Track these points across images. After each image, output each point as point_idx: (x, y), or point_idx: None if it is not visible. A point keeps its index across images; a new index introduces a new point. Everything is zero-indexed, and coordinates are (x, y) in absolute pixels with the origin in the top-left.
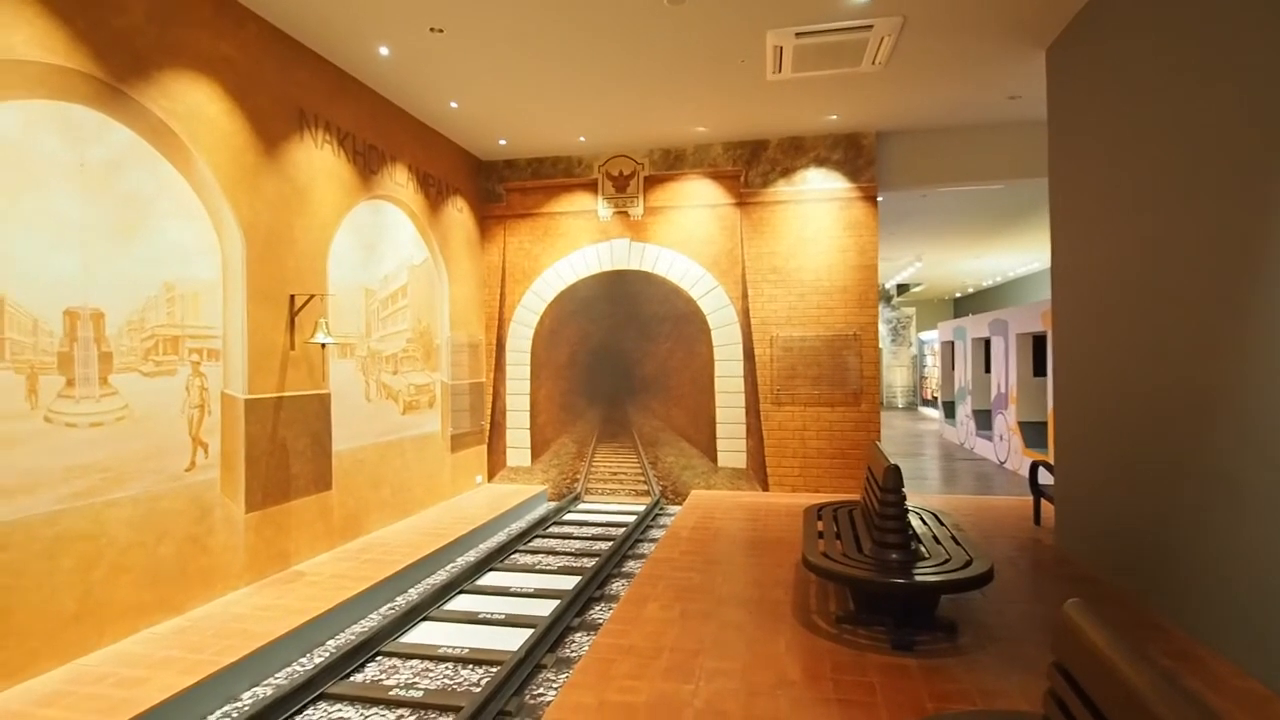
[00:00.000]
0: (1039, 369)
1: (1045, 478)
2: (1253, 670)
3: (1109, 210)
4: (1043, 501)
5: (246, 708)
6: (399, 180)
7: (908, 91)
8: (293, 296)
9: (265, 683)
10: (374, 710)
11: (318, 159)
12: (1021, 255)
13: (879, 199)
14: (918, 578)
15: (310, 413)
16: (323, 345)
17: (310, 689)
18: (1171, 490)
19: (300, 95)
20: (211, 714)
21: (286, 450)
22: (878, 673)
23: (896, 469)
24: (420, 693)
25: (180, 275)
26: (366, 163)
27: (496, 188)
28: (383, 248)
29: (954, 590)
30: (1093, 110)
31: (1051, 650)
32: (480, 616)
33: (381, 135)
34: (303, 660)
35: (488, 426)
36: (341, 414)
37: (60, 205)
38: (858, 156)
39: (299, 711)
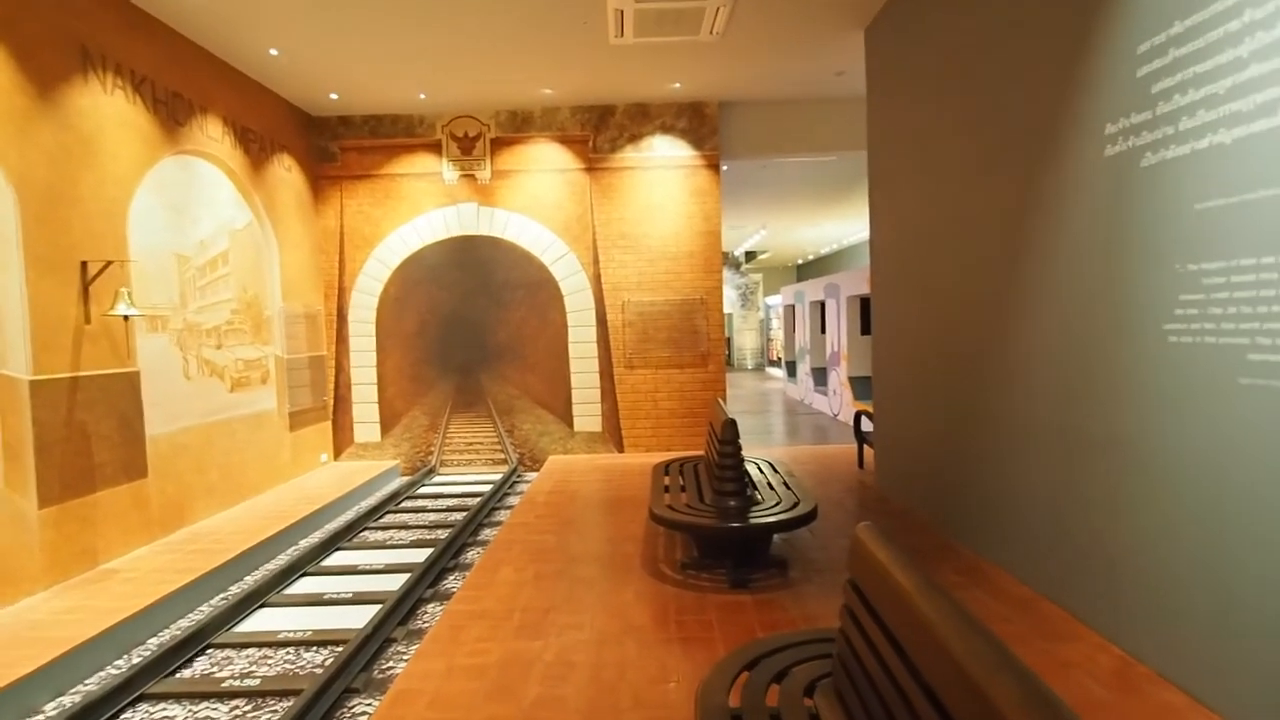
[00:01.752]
0: (866, 328)
1: (868, 425)
2: (1025, 579)
3: (916, 180)
4: (865, 447)
5: (51, 717)
6: (212, 134)
7: (746, 63)
8: (85, 263)
9: (73, 690)
10: (204, 705)
11: (107, 105)
12: (854, 224)
13: (723, 167)
14: (752, 520)
15: (115, 393)
16: (126, 318)
17: (128, 690)
18: (967, 435)
19: (82, 29)
20: None
21: (88, 436)
22: (716, 610)
23: (733, 422)
24: (257, 680)
25: None
26: (170, 113)
27: (330, 146)
28: (196, 209)
29: (783, 529)
30: (904, 88)
31: (846, 569)
32: (325, 597)
33: (188, 82)
34: (119, 662)
35: (331, 401)
36: (156, 394)
37: None
38: (701, 125)
39: (115, 716)
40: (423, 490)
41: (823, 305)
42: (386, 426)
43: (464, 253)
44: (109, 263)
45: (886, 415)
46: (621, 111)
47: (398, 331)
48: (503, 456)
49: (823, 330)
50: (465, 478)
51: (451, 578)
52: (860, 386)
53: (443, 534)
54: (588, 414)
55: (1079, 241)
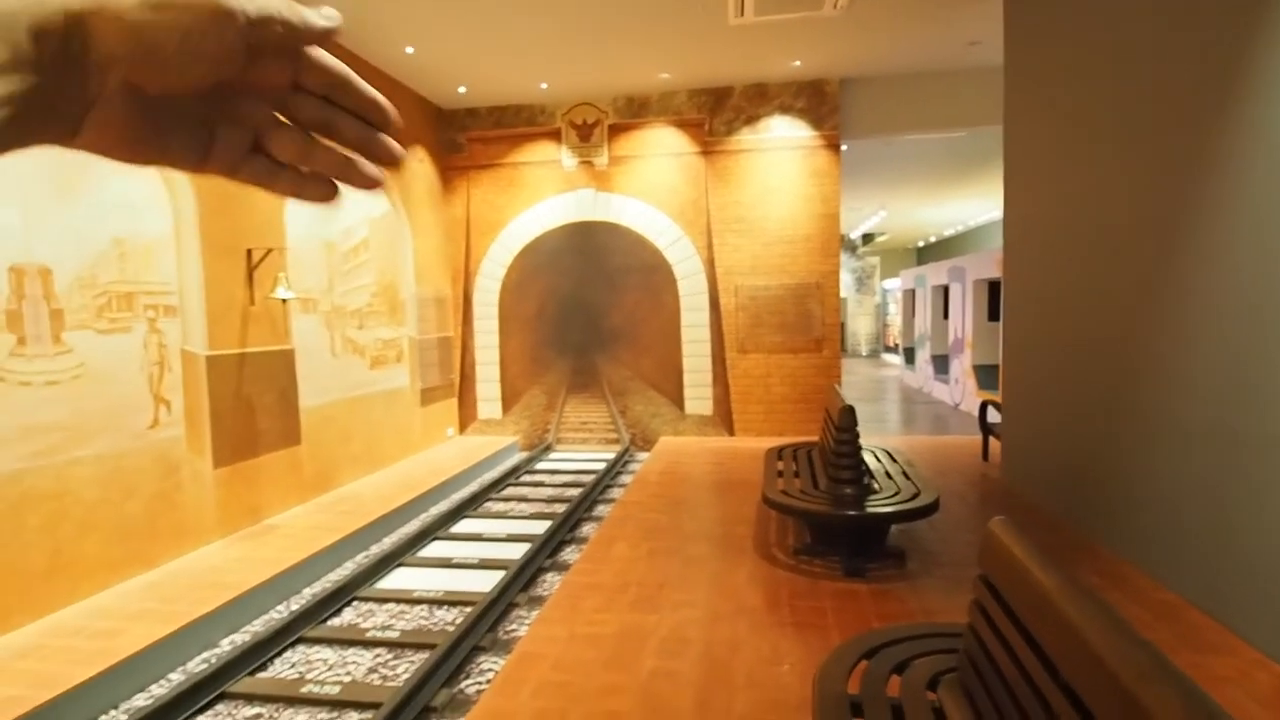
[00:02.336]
0: (994, 314)
1: (994, 416)
2: (1170, 584)
3: (1059, 158)
4: (991, 439)
5: (226, 652)
6: None
7: (870, 36)
8: (250, 250)
9: (243, 630)
10: (352, 650)
11: None
12: (982, 203)
13: (843, 147)
14: (869, 509)
15: (275, 368)
16: (284, 300)
17: (288, 634)
18: (1108, 427)
19: None
20: (190, 660)
21: (253, 406)
22: (830, 598)
23: (851, 409)
24: (396, 633)
25: (130, 230)
26: None
27: (458, 138)
28: (343, 200)
29: (902, 520)
30: (1047, 56)
31: (978, 565)
32: (454, 561)
33: None
34: (279, 608)
35: (457, 380)
36: (307, 370)
37: None
38: (821, 104)
39: (278, 655)
40: (540, 466)
41: (946, 289)
42: (507, 404)
43: (581, 238)
44: (269, 250)
45: (1016, 406)
46: (739, 93)
47: (518, 314)
48: (616, 436)
49: (945, 316)
50: (580, 455)
51: (568, 549)
52: (985, 375)
53: (559, 508)
54: (699, 397)
55: (1247, 235)
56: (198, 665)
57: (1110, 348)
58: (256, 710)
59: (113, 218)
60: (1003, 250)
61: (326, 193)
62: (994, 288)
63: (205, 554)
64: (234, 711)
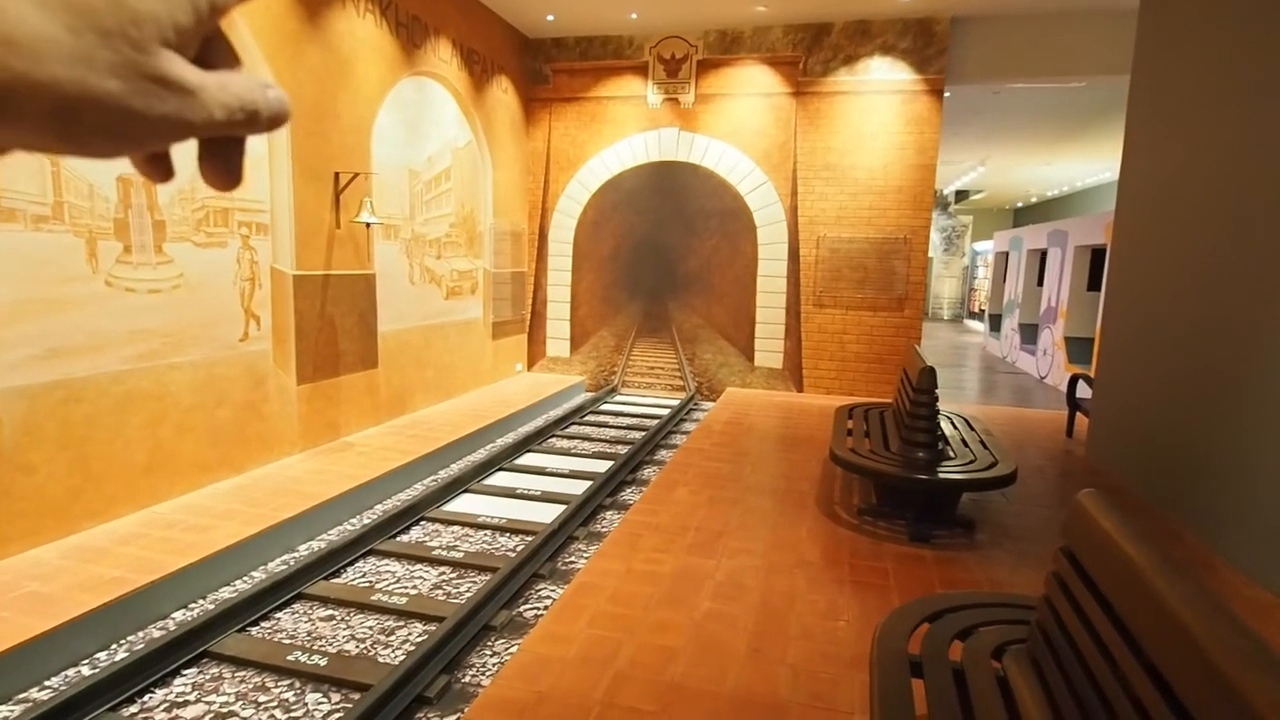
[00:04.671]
0: (1093, 284)
1: (1083, 392)
2: (1263, 580)
3: (1191, 117)
4: (1078, 415)
5: (304, 556)
6: (443, 56)
7: None
8: (337, 174)
9: (319, 537)
10: (418, 566)
11: (360, 29)
12: (1094, 164)
13: (946, 94)
14: (941, 475)
15: (357, 292)
16: (367, 225)
17: (360, 545)
18: (1208, 409)
19: None
20: (271, 561)
21: (334, 327)
22: (893, 560)
23: (931, 370)
24: (461, 554)
25: None
26: (410, 35)
27: (544, 68)
28: (426, 127)
29: (975, 489)
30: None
31: (1061, 537)
32: (518, 492)
33: (425, 6)
34: (353, 520)
35: (528, 316)
36: (386, 295)
37: None
38: (928, 45)
39: (350, 564)
40: (605, 407)
41: (1043, 255)
42: (576, 344)
43: (661, 178)
44: (356, 174)
45: (1111, 381)
46: (839, 30)
47: (593, 254)
48: (681, 383)
49: (1039, 283)
50: (644, 399)
51: (629, 490)
52: (1077, 348)
53: (622, 449)
54: (770, 349)
55: None
56: (278, 565)
57: (1223, 328)
58: (330, 612)
59: None
60: (1114, 215)
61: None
62: (1097, 256)
63: (287, 464)
64: (310, 612)
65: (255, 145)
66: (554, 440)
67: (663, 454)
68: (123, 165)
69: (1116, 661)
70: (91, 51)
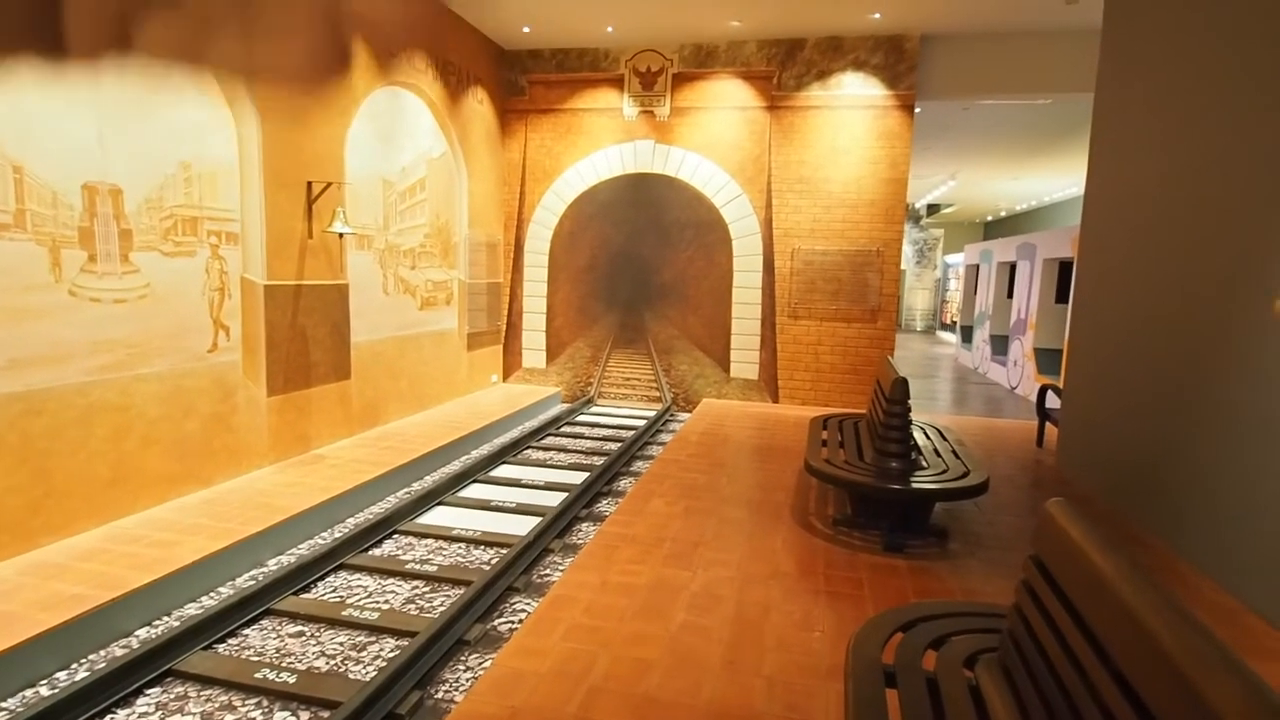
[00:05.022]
0: (1062, 296)
1: (1052, 402)
2: (1228, 586)
3: (1153, 133)
4: (1047, 425)
5: (273, 571)
6: (418, 66)
7: None
8: (310, 183)
9: (289, 552)
10: (391, 580)
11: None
12: (1062, 178)
13: (917, 109)
14: (914, 485)
15: (329, 302)
16: (340, 235)
17: (332, 559)
18: (1175, 419)
19: None
20: (239, 576)
21: (306, 338)
22: (868, 570)
23: (904, 380)
24: (434, 568)
25: (197, 154)
26: (385, 45)
27: (519, 80)
28: (401, 138)
29: (948, 498)
30: (1152, 21)
31: (1031, 545)
32: (492, 504)
33: (400, 15)
34: (324, 535)
35: (504, 327)
36: (360, 305)
37: (70, 75)
38: (899, 61)
39: (320, 579)
40: (581, 418)
41: (1013, 267)
42: (552, 355)
43: (637, 190)
44: (329, 184)
45: (1078, 392)
46: (811, 45)
47: (569, 265)
48: (658, 394)
49: (1009, 295)
50: (621, 411)
51: (605, 502)
52: (1046, 360)
53: (598, 460)
54: (746, 360)
55: None
56: (246, 581)
57: (1188, 338)
58: (300, 628)
59: (181, 141)
60: (1080, 228)
61: None
62: (1065, 268)
63: (256, 477)
64: (279, 628)
65: (226, 153)
66: (529, 452)
67: (639, 465)
68: (88, 173)
69: (1085, 669)
70: None
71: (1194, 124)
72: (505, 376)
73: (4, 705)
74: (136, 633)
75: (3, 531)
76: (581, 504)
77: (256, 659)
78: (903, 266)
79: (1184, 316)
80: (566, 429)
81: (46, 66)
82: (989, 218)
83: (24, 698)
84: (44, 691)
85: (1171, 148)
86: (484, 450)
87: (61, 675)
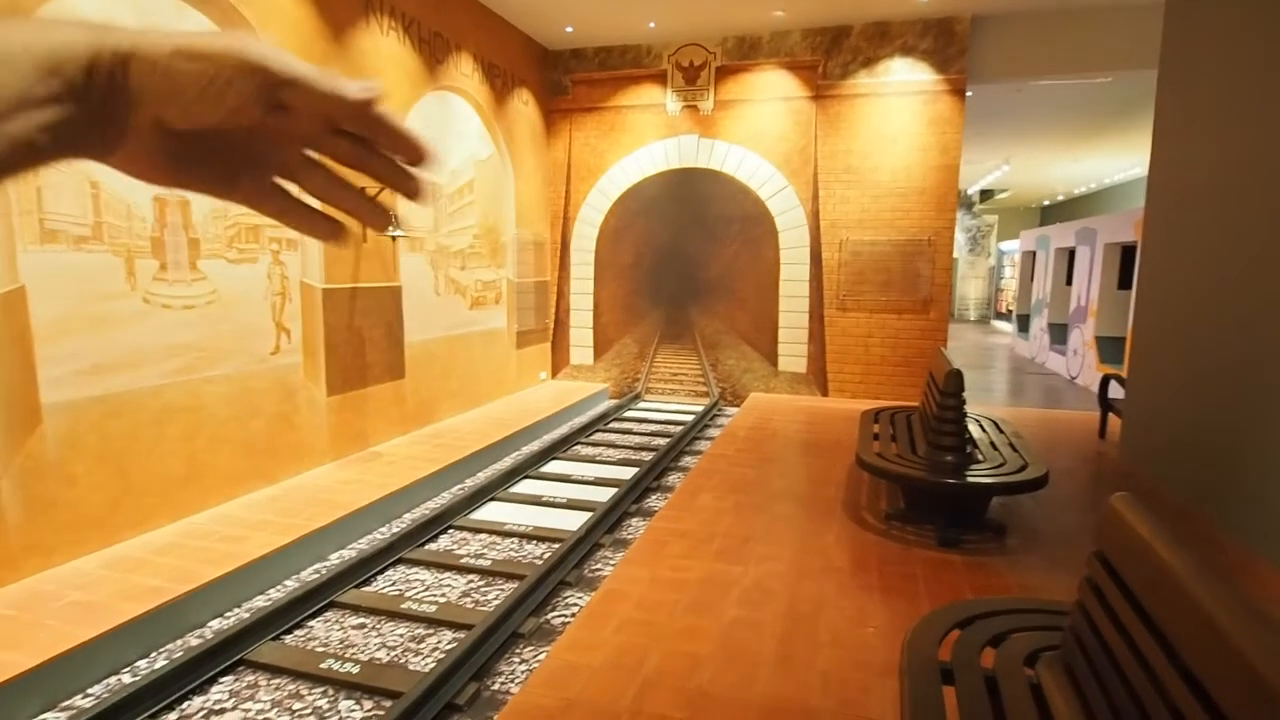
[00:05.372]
0: (1124, 282)
1: (1115, 392)
2: None
3: (1224, 110)
4: (1110, 416)
5: (335, 565)
6: (464, 70)
7: None
8: (363, 189)
9: (350, 546)
10: (447, 574)
11: (384, 47)
12: (1122, 159)
13: (968, 93)
14: (970, 479)
15: (383, 304)
16: (394, 238)
17: (390, 553)
18: (1245, 408)
19: None
20: (303, 570)
21: (362, 339)
22: (922, 565)
23: (958, 373)
24: (488, 562)
25: None
26: (432, 51)
27: (563, 80)
28: (449, 141)
29: (1005, 492)
30: None
31: (1094, 541)
32: (544, 499)
33: (446, 22)
34: (382, 530)
35: (552, 325)
36: (412, 307)
37: None
38: (948, 45)
39: (380, 573)
40: (629, 414)
41: (1071, 253)
42: (599, 351)
43: (682, 186)
44: (383, 188)
45: (1144, 381)
46: (857, 32)
47: (614, 262)
48: (705, 389)
49: (1068, 282)
50: (668, 406)
51: (654, 497)
52: (1108, 348)
53: (646, 456)
54: (794, 354)
55: None
56: (310, 574)
57: (1259, 325)
58: (361, 620)
59: None
60: (1144, 211)
61: (333, 232)
62: (1127, 253)
63: (318, 474)
64: (342, 620)
65: None
66: (579, 448)
67: (687, 460)
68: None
69: (1153, 669)
70: None
71: (1265, 100)
72: (554, 374)
73: (91, 691)
74: (210, 624)
75: (87, 527)
76: (631, 499)
77: (321, 650)
78: (955, 255)
79: (1257, 301)
80: (615, 425)
81: None
82: (1045, 202)
83: (107, 684)
84: (126, 679)
85: (1241, 125)
86: (534, 446)
87: (142, 664)
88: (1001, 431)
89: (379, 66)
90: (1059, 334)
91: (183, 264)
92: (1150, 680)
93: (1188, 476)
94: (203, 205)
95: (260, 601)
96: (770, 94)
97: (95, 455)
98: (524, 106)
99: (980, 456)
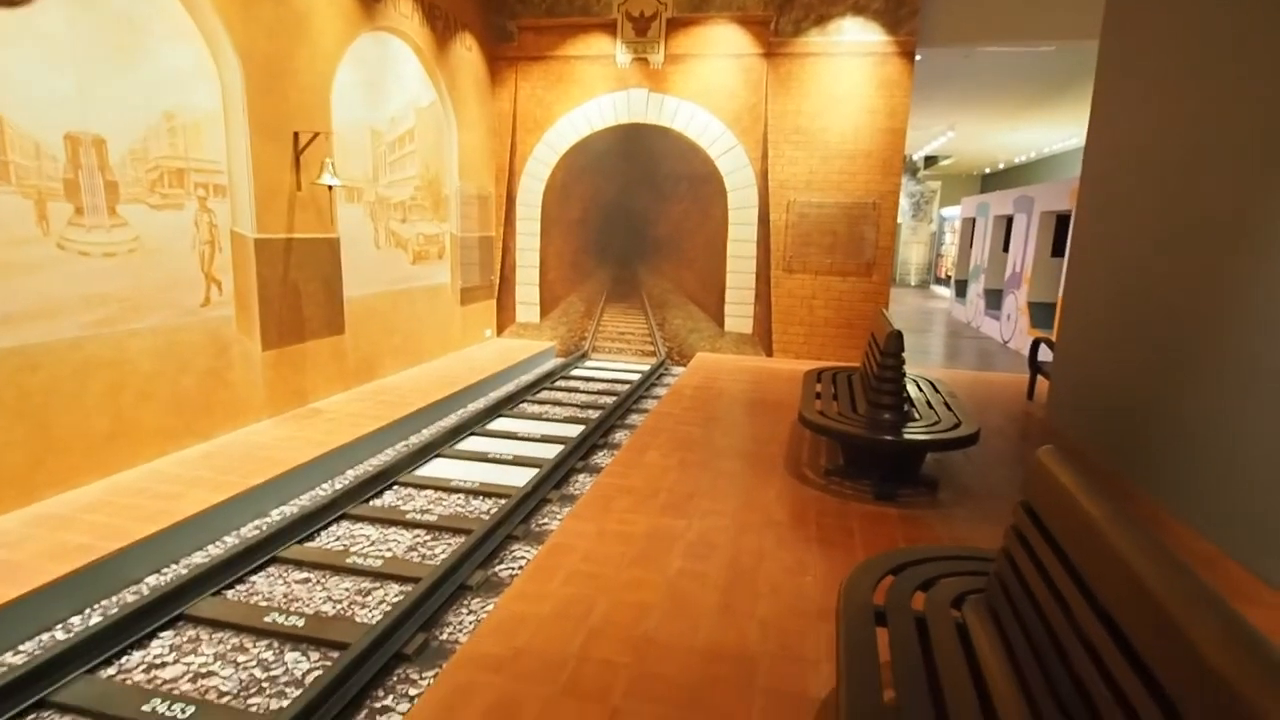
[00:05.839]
0: (1058, 250)
1: (1045, 356)
2: (1213, 537)
3: (1160, 82)
4: (1039, 379)
5: (276, 521)
6: (404, 11)
7: None
8: (296, 134)
9: (291, 502)
10: (393, 529)
11: None
12: (1062, 129)
13: (917, 57)
14: (906, 436)
15: (320, 256)
16: (330, 187)
17: (334, 509)
18: (1164, 373)
19: None
20: (243, 526)
21: (299, 292)
22: (859, 519)
23: (898, 334)
24: (434, 517)
25: (180, 104)
26: None
27: (509, 25)
28: (388, 86)
29: (939, 449)
30: None
31: (1021, 492)
32: (490, 456)
33: None
34: (324, 486)
35: (497, 281)
36: (352, 260)
37: (48, 21)
38: (900, 5)
39: (323, 528)
40: (575, 372)
41: (1009, 220)
42: (545, 309)
43: (631, 141)
44: (316, 134)
45: (1071, 345)
46: None
47: (561, 218)
48: (652, 349)
49: (1005, 249)
50: (615, 365)
51: (600, 454)
52: (1040, 313)
53: (593, 414)
54: (740, 314)
55: None
56: (250, 531)
57: (1180, 295)
58: (305, 575)
59: (164, 89)
60: (1079, 181)
61: None
62: (1062, 221)
63: (255, 430)
64: (285, 575)
65: (209, 102)
66: (525, 405)
67: (634, 419)
68: (70, 122)
69: (1071, 608)
70: None
71: (1203, 73)
72: (499, 331)
73: (22, 648)
74: (146, 580)
75: (6, 485)
76: (578, 456)
77: (265, 604)
78: (898, 220)
79: (1179, 271)
80: (561, 383)
81: (13, 12)
82: (986, 170)
83: (40, 641)
84: (60, 635)
85: (1173, 97)
86: (480, 404)
87: (75, 620)
88: (938, 391)
89: (310, 2)
90: (994, 299)
91: (100, 208)
92: (1068, 619)
93: (1108, 436)
94: (119, 146)
95: (199, 558)
96: (722, 50)
97: (12, 410)
98: (467, 52)
99: (917, 415)
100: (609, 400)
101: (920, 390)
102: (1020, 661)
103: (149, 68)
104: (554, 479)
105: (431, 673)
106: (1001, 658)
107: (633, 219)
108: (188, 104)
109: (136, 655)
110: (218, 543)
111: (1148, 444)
